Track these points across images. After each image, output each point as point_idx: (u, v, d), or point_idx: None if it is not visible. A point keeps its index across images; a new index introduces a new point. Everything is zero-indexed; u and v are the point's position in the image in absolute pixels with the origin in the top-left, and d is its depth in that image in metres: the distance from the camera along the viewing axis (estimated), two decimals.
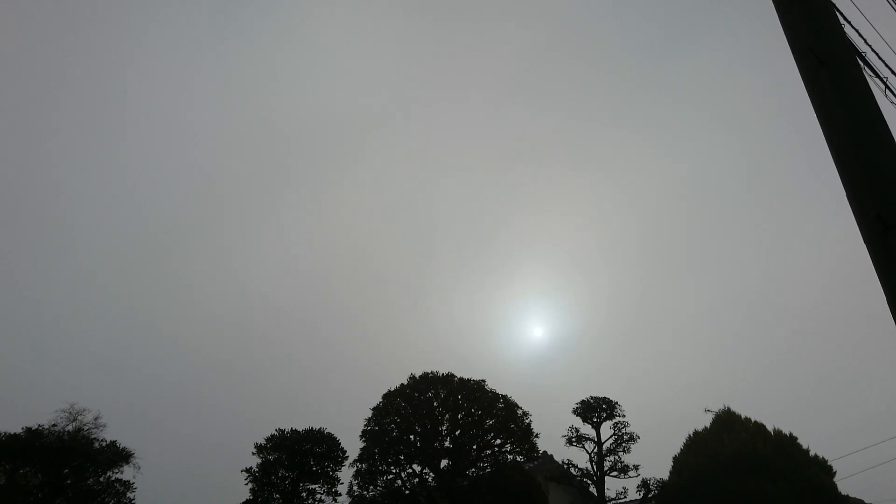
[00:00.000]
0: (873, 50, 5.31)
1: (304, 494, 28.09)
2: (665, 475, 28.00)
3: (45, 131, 67.20)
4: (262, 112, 76.84)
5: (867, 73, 5.08)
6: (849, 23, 5.28)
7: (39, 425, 25.90)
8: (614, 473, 30.00)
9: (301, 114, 78.83)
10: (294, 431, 29.50)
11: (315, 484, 28.61)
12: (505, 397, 28.59)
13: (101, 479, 26.36)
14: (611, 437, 30.87)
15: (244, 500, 27.58)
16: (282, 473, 28.26)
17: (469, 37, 75.80)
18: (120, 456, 26.86)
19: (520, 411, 28.42)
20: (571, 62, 77.06)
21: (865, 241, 4.34)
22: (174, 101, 73.15)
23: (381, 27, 74.20)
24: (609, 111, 77.53)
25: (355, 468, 27.50)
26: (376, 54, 75.91)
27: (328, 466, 29.02)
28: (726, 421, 27.38)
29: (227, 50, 73.76)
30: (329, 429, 30.24)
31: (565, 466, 30.93)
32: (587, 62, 76.93)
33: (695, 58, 73.55)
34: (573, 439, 31.01)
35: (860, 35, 5.29)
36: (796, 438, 25.71)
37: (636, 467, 29.88)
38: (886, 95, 5.40)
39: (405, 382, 29.09)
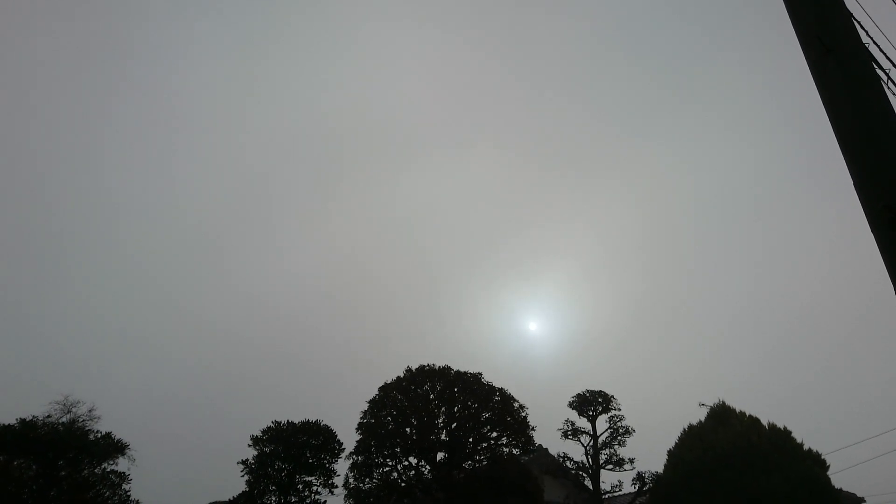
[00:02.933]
0: (875, 42, 5.26)
1: (300, 486, 28.09)
2: (660, 468, 28.10)
3: (41, 130, 66.70)
4: (284, 117, 76.39)
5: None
6: (851, 15, 5.23)
7: (34, 416, 25.82)
8: (609, 467, 30.10)
9: (322, 116, 78.27)
10: (290, 423, 29.48)
11: (311, 476, 28.63)
12: (501, 390, 28.59)
13: (97, 470, 26.31)
14: (606, 430, 30.98)
15: (240, 491, 27.57)
16: (278, 465, 28.26)
17: (493, 40, 75.42)
18: (115, 447, 26.81)
19: (516, 404, 28.44)
20: (593, 69, 76.65)
21: (873, 230, 4.29)
22: (190, 104, 72.69)
23: (394, 28, 73.79)
24: (626, 117, 77.20)
25: (351, 460, 27.49)
26: (394, 53, 75.48)
27: (324, 459, 29.03)
28: (721, 415, 27.42)
29: (245, 56, 73.16)
30: (325, 421, 30.28)
31: (561, 460, 31.01)
32: (609, 68, 76.44)
33: (716, 67, 73.23)
34: (569, 432, 31.09)
35: (862, 27, 5.24)
36: (790, 432, 25.77)
37: (631, 461, 30.02)
38: (888, 87, 5.35)
39: (402, 375, 29.06)
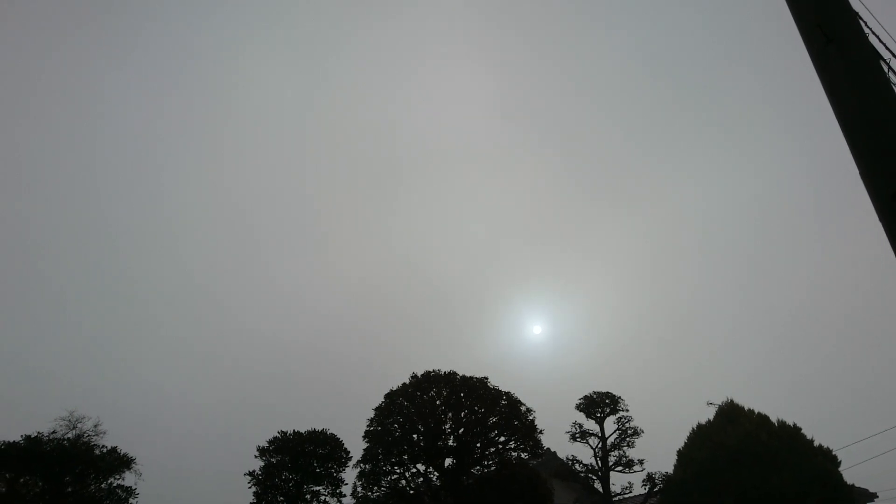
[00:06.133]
0: (874, 34, 5.21)
1: (308, 496, 27.99)
2: (670, 469, 27.88)
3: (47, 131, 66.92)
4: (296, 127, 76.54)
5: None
6: (851, 7, 5.18)
7: (39, 433, 25.76)
8: (619, 468, 29.90)
9: (334, 124, 78.36)
10: (297, 433, 29.40)
11: (319, 485, 28.54)
12: (508, 394, 28.45)
13: (103, 485, 26.24)
14: (615, 431, 30.79)
15: (248, 503, 27.46)
16: (285, 476, 28.17)
17: (524, 61, 75.62)
18: (121, 462, 26.74)
19: (523, 408, 28.29)
20: (613, 84, 76.61)
21: (880, 219, 4.22)
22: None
23: (422, 52, 73.98)
24: (640, 136, 77.17)
25: (359, 469, 27.36)
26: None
27: (332, 468, 28.94)
28: (730, 413, 27.21)
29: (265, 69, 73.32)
30: (332, 430, 30.20)
31: (570, 463, 30.83)
32: (630, 83, 76.34)
33: (718, 76, 73.20)
34: (577, 435, 30.91)
35: (861, 19, 5.19)
36: (800, 429, 25.56)
37: (641, 462, 29.80)
38: (890, 77, 5.29)
39: (407, 382, 28.96)
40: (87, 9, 67.73)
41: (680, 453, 27.13)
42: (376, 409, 28.53)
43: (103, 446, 26.88)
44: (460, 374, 28.75)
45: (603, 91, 77.56)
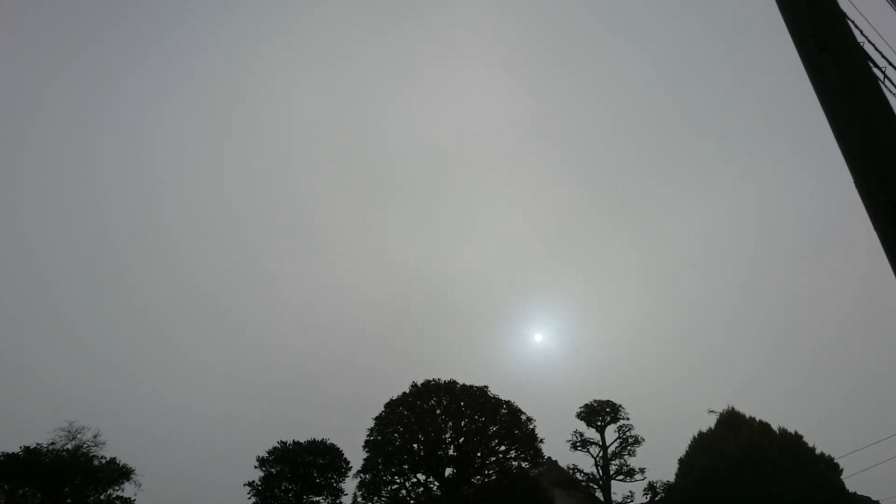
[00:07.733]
0: (870, 41, 5.26)
1: None
2: (671, 477, 27.76)
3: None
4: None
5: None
6: (846, 15, 5.23)
7: (38, 444, 25.65)
8: (620, 477, 29.78)
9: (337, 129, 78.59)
10: (296, 443, 29.28)
11: (319, 496, 28.40)
12: (508, 403, 28.38)
13: (102, 496, 26.11)
14: (616, 440, 30.68)
15: None
16: (285, 486, 28.04)
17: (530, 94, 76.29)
18: (120, 473, 26.64)
19: (523, 417, 28.21)
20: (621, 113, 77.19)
21: (875, 228, 4.24)
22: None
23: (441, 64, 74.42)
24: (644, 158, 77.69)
25: (359, 479, 27.24)
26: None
27: (332, 478, 28.81)
28: (731, 421, 27.13)
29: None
30: (332, 440, 30.09)
31: (571, 472, 30.69)
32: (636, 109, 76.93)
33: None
34: (578, 444, 30.79)
35: (856, 26, 5.24)
36: (802, 437, 25.49)
37: (642, 470, 29.70)
38: (885, 85, 5.32)
39: (407, 391, 28.87)
40: (93, 17, 68.11)
41: (681, 461, 27.01)
42: (376, 419, 28.44)
43: (103, 457, 26.81)
44: (460, 383, 28.69)
45: (614, 107, 78.09)
